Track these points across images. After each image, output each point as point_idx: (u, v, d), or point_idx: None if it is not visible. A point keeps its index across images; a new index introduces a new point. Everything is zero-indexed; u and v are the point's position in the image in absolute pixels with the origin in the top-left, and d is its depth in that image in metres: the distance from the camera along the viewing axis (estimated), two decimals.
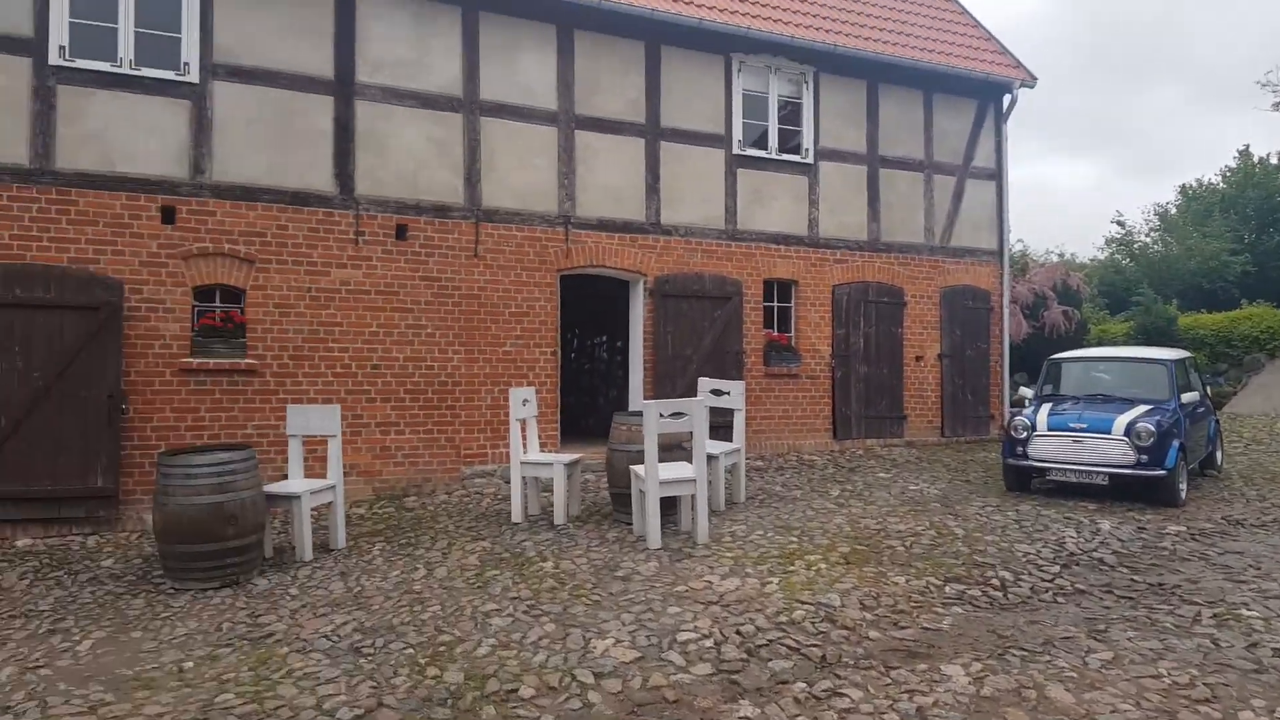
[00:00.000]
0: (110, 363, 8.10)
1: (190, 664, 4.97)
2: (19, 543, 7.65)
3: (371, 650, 5.12)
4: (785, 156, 12.11)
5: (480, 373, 10.03)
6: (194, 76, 8.74)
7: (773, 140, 12.02)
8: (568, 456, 8.30)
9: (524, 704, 4.48)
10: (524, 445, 8.43)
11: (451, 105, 9.95)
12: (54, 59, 8.23)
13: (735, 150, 11.69)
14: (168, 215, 8.61)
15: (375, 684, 4.66)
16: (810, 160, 12.28)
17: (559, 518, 8.02)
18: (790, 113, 12.24)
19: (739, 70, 11.75)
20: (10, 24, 8.08)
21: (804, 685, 4.61)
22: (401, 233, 9.66)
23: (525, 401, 8.47)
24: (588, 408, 12.73)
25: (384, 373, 9.52)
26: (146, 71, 8.57)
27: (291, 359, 9.08)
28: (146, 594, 6.33)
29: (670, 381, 11.00)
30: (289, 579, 6.61)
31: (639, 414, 8.09)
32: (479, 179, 10.09)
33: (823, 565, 6.59)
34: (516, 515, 8.18)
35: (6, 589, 6.48)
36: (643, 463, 7.28)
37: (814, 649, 5.06)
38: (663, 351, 11.06)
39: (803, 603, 5.76)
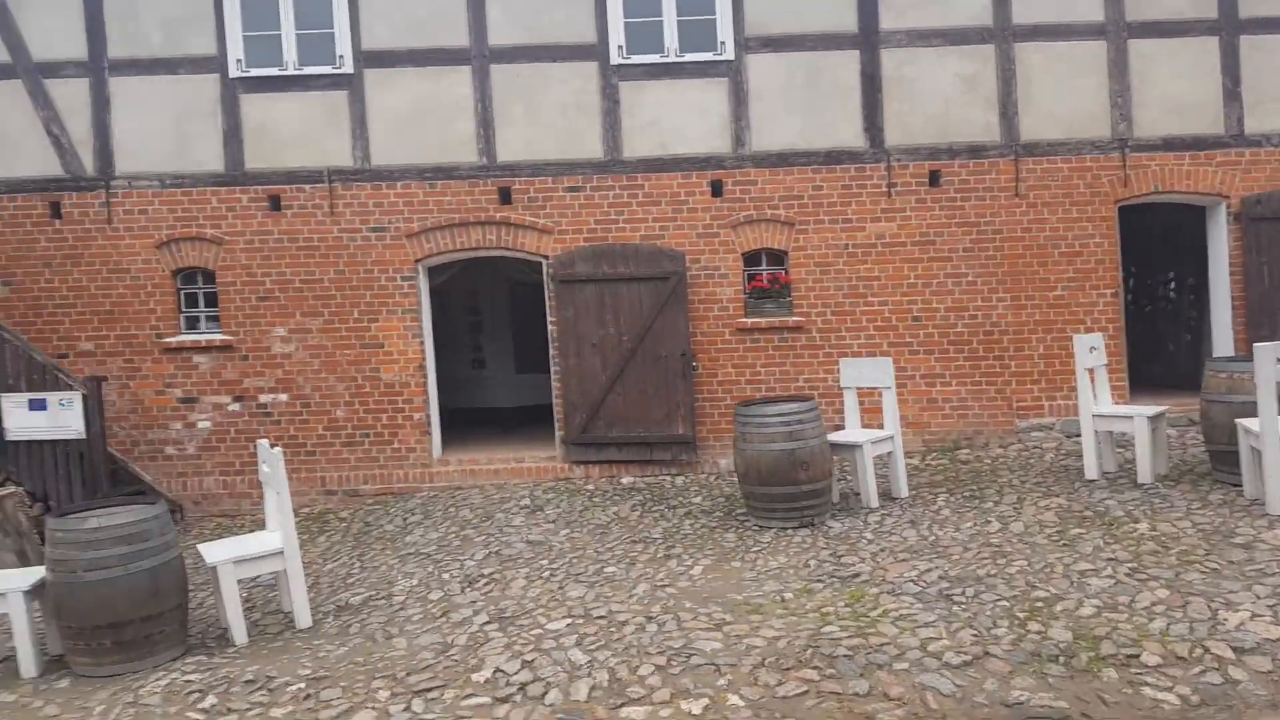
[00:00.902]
0: (680, 325, 9.06)
1: (790, 595, 5.31)
2: (624, 480, 8.97)
3: (963, 599, 4.99)
4: None
5: (1029, 320, 9.29)
6: (730, 54, 9.27)
7: None
8: (1150, 409, 7.29)
9: (1150, 671, 4.04)
10: (1093, 396, 7.62)
11: (981, 37, 9.29)
12: (614, 59, 9.26)
13: None
14: (716, 189, 9.33)
15: (975, 632, 4.51)
16: None
17: (1144, 476, 7.08)
18: None
19: None
20: (578, 33, 9.26)
21: None
22: (934, 179, 9.32)
23: (1092, 349, 7.63)
24: (1152, 355, 11.14)
25: (925, 324, 9.31)
26: (689, 56, 9.28)
27: (834, 314, 9.31)
28: (735, 529, 6.97)
29: (1269, 322, 9.09)
30: (860, 524, 6.78)
31: (1242, 359, 6.86)
32: (1015, 111, 9.31)
33: None
34: (1091, 472, 7.41)
35: (623, 518, 7.63)
36: (1253, 415, 6.13)
37: None
38: (1256, 287, 9.18)
39: None
